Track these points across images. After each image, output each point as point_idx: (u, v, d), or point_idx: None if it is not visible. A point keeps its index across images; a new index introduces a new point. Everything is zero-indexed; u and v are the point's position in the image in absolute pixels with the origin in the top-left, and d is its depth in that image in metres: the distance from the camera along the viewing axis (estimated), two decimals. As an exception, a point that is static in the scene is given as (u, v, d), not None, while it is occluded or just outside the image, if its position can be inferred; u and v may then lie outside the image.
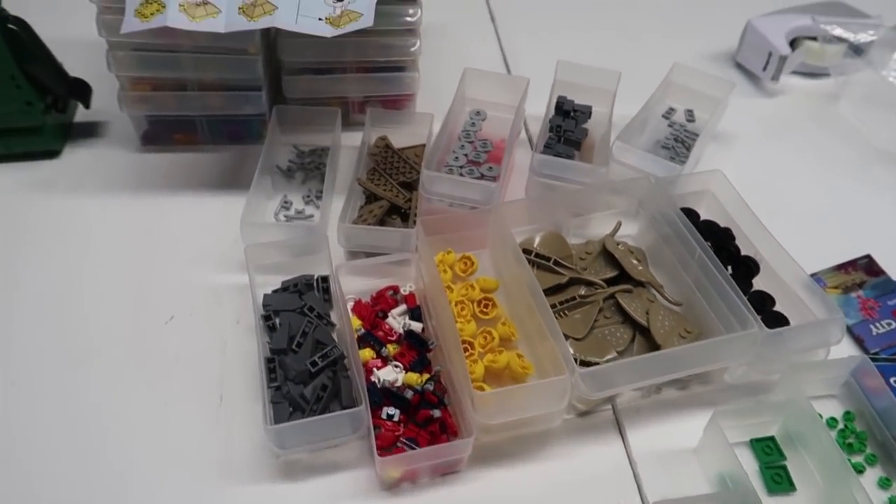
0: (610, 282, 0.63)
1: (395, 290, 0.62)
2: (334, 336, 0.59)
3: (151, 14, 0.59)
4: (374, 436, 0.49)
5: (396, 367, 0.56)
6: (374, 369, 0.55)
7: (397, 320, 0.60)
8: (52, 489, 0.51)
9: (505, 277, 0.62)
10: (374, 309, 0.60)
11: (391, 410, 0.53)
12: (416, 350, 0.57)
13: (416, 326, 0.59)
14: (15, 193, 0.72)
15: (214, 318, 0.62)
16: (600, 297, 0.61)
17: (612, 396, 0.57)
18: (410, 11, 0.72)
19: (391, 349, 0.57)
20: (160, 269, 0.66)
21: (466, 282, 0.61)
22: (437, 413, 0.53)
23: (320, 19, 0.62)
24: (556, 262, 0.62)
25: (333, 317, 0.61)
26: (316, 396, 0.54)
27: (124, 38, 0.68)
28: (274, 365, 0.56)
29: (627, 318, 0.60)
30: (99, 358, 0.59)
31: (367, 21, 0.63)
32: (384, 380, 0.54)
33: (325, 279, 0.63)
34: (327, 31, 0.62)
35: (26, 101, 0.71)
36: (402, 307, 0.61)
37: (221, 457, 0.53)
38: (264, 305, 0.61)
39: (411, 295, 0.62)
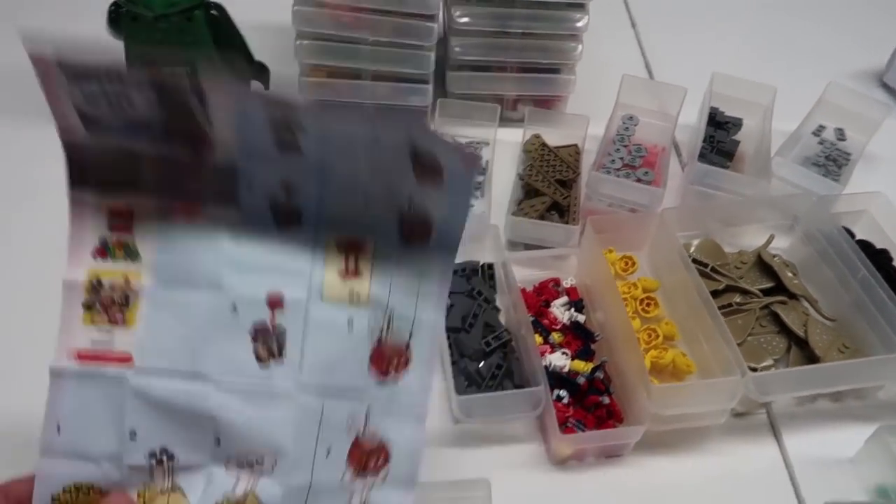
0: (765, 292, 0.65)
1: (557, 282, 0.66)
2: (501, 320, 0.64)
3: None
4: (553, 414, 0.54)
5: (564, 353, 0.60)
6: (546, 354, 0.59)
7: (560, 310, 0.64)
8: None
9: (665, 280, 0.65)
10: (539, 298, 0.64)
11: (562, 393, 0.57)
12: (582, 340, 0.61)
13: (580, 318, 0.63)
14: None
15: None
16: (756, 307, 0.64)
17: (767, 402, 0.59)
18: (577, 16, 0.76)
19: (556, 337, 0.62)
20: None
21: (627, 281, 0.65)
22: (605, 399, 0.57)
23: None
24: (713, 269, 0.65)
25: (498, 302, 0.65)
26: (491, 374, 0.59)
27: (312, 29, 0.74)
28: (450, 341, 0.61)
29: (783, 329, 0.63)
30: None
31: None
32: (554, 364, 0.59)
33: (489, 266, 0.67)
34: None
35: (219, 81, 0.78)
36: (564, 299, 0.65)
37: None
38: (436, 285, 0.65)
39: (573, 288, 0.66)
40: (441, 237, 0.38)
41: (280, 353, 0.37)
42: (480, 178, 0.74)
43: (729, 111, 0.80)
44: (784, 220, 0.70)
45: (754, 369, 0.58)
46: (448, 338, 0.61)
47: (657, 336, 0.60)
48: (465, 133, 0.81)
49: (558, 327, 0.63)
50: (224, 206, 0.37)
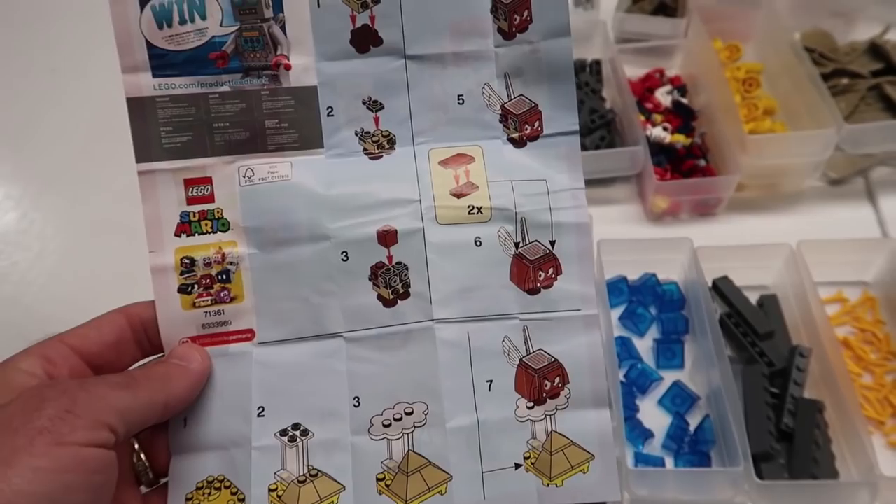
0: (875, 74, 0.66)
1: (661, 72, 0.71)
2: (606, 107, 0.69)
3: None
4: (651, 170, 0.60)
5: (665, 128, 0.65)
6: (648, 126, 0.65)
7: (664, 95, 0.68)
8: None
9: (769, 63, 0.67)
10: (644, 85, 0.69)
11: (660, 159, 0.63)
12: (682, 118, 0.66)
13: (682, 100, 0.67)
14: None
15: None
16: (864, 87, 0.65)
17: (864, 169, 0.62)
18: None
19: (658, 118, 0.67)
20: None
21: (731, 66, 0.68)
22: (702, 162, 0.62)
23: (518, 465, 0.34)
24: (821, 54, 0.67)
25: (604, 94, 0.71)
26: (595, 145, 0.65)
27: None
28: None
29: (890, 107, 0.64)
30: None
31: (601, 486, 0.34)
32: (655, 136, 0.64)
33: (597, 62, 0.72)
34: (529, 490, 0.34)
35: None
36: (668, 87, 0.69)
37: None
38: (546, 80, 0.72)
39: (676, 77, 0.70)
40: (552, 118, 0.35)
41: (405, 290, 0.34)
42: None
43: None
44: (901, 11, 0.69)
45: (854, 139, 0.61)
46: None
47: (757, 109, 0.64)
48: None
49: (661, 110, 0.67)
50: (307, 149, 0.34)
